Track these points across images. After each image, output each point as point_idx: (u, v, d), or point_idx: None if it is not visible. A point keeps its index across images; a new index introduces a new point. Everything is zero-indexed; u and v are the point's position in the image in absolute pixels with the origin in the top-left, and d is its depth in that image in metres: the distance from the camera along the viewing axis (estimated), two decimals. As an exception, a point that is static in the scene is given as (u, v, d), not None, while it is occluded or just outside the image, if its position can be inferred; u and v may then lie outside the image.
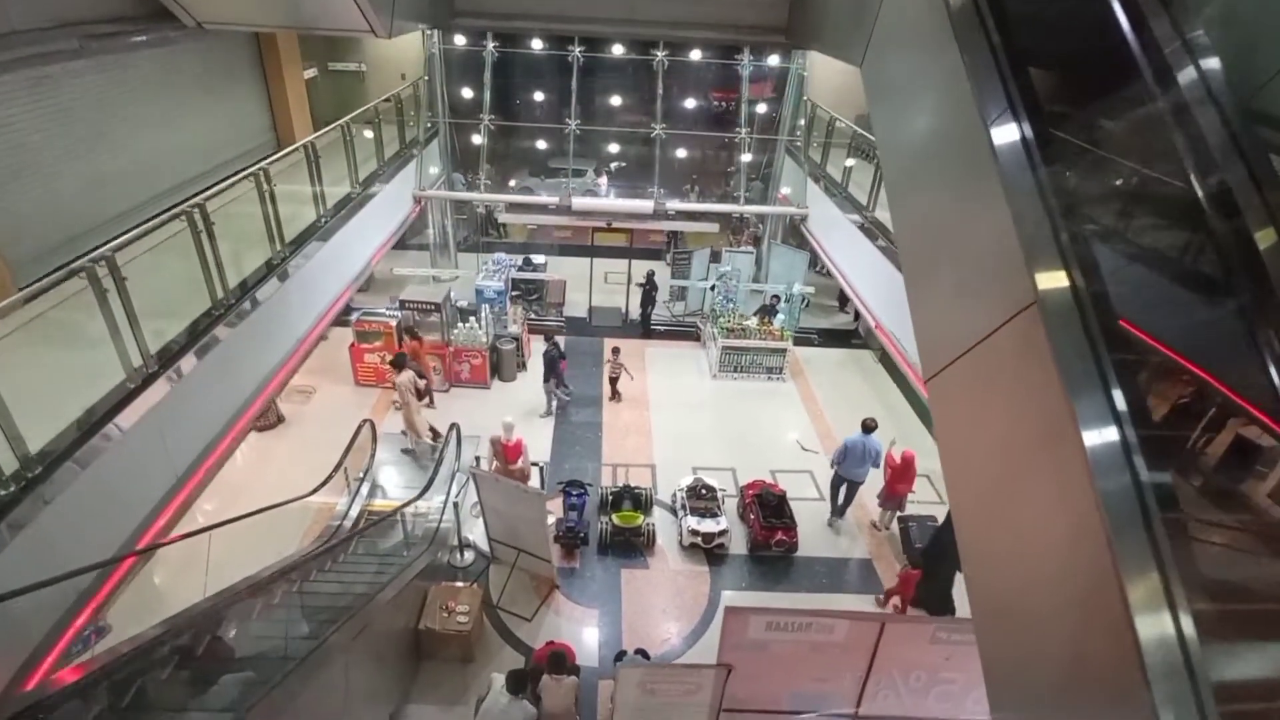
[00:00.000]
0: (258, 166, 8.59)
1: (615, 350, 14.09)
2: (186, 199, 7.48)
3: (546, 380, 13.52)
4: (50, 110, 8.56)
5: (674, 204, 16.26)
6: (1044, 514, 2.86)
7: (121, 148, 9.85)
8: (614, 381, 14.24)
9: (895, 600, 9.55)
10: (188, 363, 6.72)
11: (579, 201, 15.68)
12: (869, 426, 10.82)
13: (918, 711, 6.70)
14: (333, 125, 11.15)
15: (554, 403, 13.75)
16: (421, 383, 11.78)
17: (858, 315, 18.14)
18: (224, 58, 12.78)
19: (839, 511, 11.49)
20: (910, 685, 6.53)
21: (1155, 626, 2.13)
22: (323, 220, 10.16)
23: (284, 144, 13.89)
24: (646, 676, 6.39)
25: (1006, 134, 3.43)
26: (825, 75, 17.76)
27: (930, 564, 9.43)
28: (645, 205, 15.87)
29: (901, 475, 10.82)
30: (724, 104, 18.94)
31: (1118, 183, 3.88)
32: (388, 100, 14.14)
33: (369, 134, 13.35)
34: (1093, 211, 3.69)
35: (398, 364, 11.56)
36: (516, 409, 13.12)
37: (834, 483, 11.37)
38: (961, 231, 3.99)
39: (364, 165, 12.34)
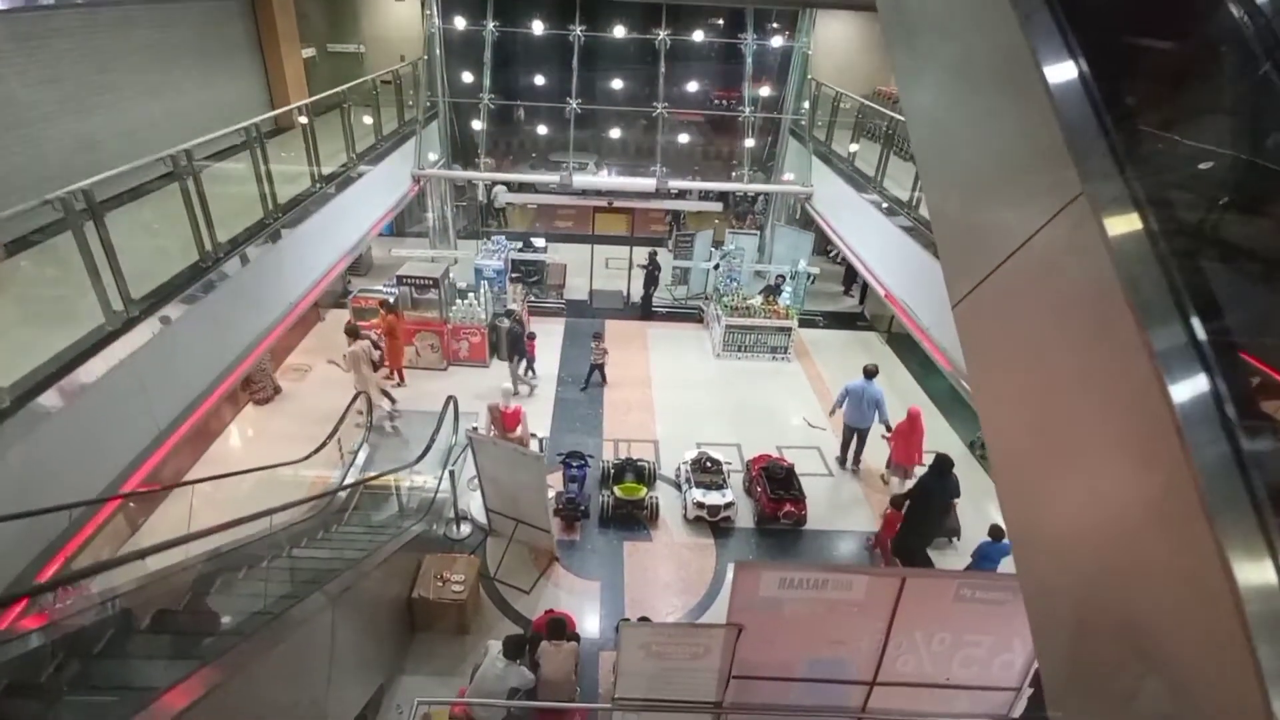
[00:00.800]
0: (250, 122, 8.21)
1: (597, 336, 13.48)
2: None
3: (510, 359, 12.98)
4: (39, 66, 8.21)
5: (676, 182, 15.83)
6: (1109, 459, 2.41)
7: (114, 112, 9.49)
8: (600, 368, 13.59)
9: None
10: (172, 311, 6.34)
11: (580, 179, 15.28)
12: (870, 372, 11.12)
13: (940, 678, 6.23)
14: (329, 92, 10.78)
15: (520, 384, 13.15)
16: (376, 354, 11.77)
17: (863, 299, 17.77)
18: (221, 32, 12.46)
19: (853, 460, 11.71)
20: (933, 649, 6.08)
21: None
22: (317, 186, 9.76)
23: (282, 124, 13.54)
24: (651, 637, 5.94)
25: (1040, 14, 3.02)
26: (828, 52, 17.46)
27: (911, 512, 9.27)
28: (647, 183, 15.46)
29: (908, 435, 10.62)
30: (726, 101, 18.58)
31: (1166, 60, 3.47)
32: (387, 81, 13.77)
33: (368, 119, 13.03)
34: (1141, 95, 3.28)
35: (351, 332, 11.57)
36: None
37: (845, 435, 11.68)
38: (990, 121, 3.57)
39: (361, 140, 11.99)
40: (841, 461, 11.82)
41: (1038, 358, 3.12)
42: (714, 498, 10.03)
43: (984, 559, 8.70)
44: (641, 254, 16.66)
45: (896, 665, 6.18)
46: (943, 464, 9.08)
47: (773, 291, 15.47)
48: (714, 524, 10.12)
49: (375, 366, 11.73)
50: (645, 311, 16.69)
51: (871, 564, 9.83)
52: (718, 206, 17.72)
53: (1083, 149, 2.57)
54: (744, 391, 14.00)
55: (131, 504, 9.71)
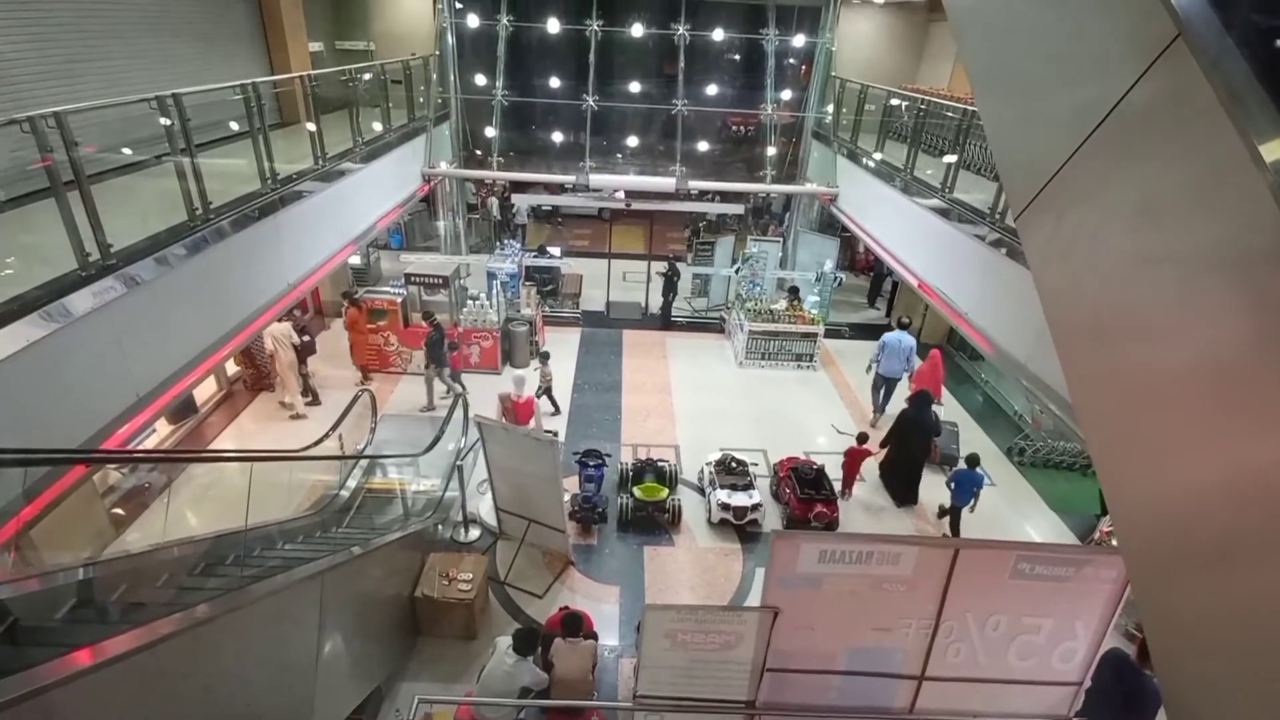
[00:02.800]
0: (250, 81, 8.13)
1: (544, 356, 12.38)
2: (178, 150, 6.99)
3: (427, 366, 12.27)
4: (28, 24, 8.16)
5: (697, 183, 15.71)
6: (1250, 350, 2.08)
7: (107, 82, 9.42)
8: (547, 393, 12.31)
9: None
10: (153, 269, 6.11)
11: (597, 178, 15.17)
12: (904, 324, 12.78)
13: (995, 671, 5.79)
14: (337, 69, 10.76)
15: (436, 394, 12.55)
16: (297, 339, 11.70)
17: (890, 309, 17.51)
18: (224, 13, 12.49)
19: (880, 409, 12.92)
20: (986, 635, 5.65)
21: None
22: (320, 164, 9.65)
23: (287, 117, 13.57)
24: (678, 622, 5.57)
25: None
26: (853, 51, 17.42)
27: (891, 439, 10.50)
28: (667, 182, 15.33)
29: (929, 375, 11.94)
30: (743, 129, 18.60)
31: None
32: (396, 81, 13.79)
33: (375, 113, 13.04)
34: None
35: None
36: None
37: (875, 384, 12.94)
38: None
39: (367, 130, 11.93)
40: (875, 411, 13.01)
41: (1137, 236, 2.81)
42: (739, 499, 9.63)
43: (959, 486, 9.57)
44: (659, 268, 16.43)
45: (947, 656, 5.76)
46: (922, 397, 10.64)
47: (795, 295, 15.24)
48: (739, 528, 9.71)
49: (300, 357, 11.80)
50: (665, 321, 16.42)
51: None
52: (739, 209, 17.56)
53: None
54: (768, 399, 13.63)
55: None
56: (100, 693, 3.18)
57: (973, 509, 9.66)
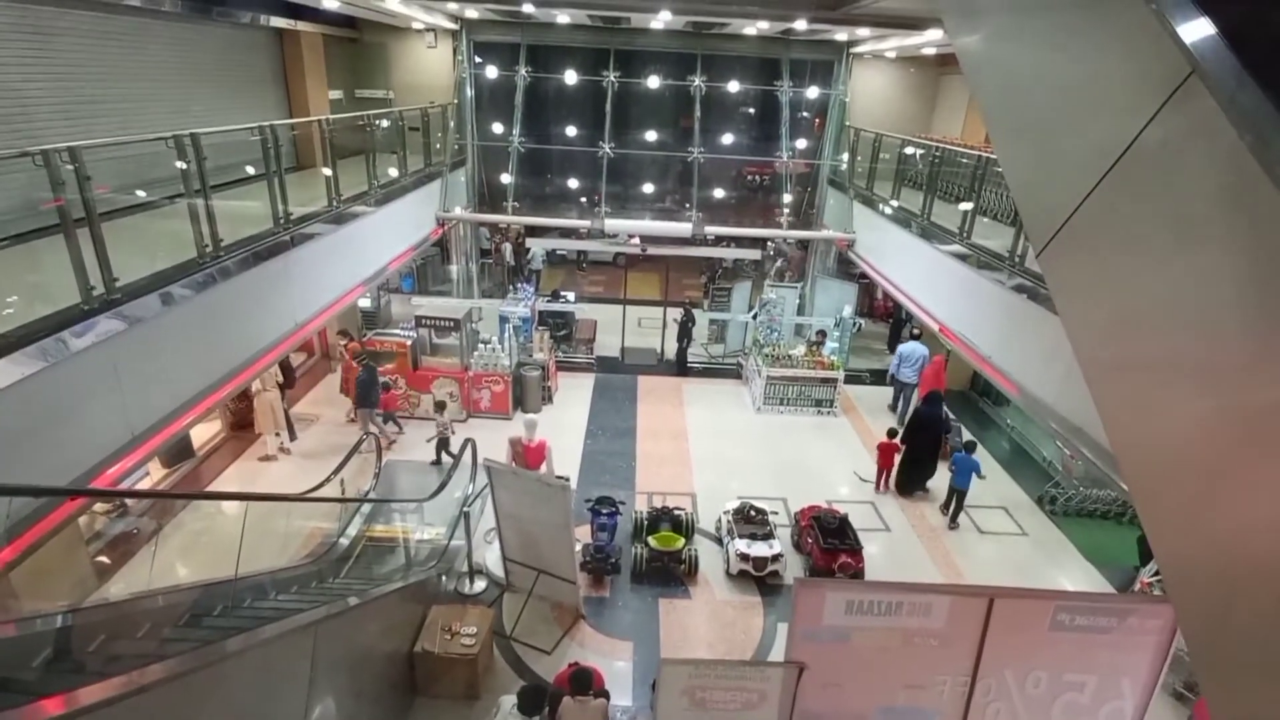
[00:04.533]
0: (266, 124, 8.19)
1: (440, 406, 12.07)
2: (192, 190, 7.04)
3: (361, 405, 12.06)
4: (49, 64, 8.26)
5: (713, 229, 15.70)
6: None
7: (126, 123, 9.53)
8: (443, 444, 11.83)
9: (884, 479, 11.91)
10: (155, 306, 6.00)
11: (612, 223, 15.19)
12: (916, 335, 14.20)
13: (1041, 735, 5.46)
14: (354, 114, 10.88)
15: (372, 434, 12.00)
16: (280, 376, 11.80)
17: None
18: (245, 59, 12.70)
19: (900, 416, 14.17)
20: (1028, 693, 5.30)
21: None
22: (334, 205, 9.68)
23: (304, 163, 13.75)
24: (696, 678, 5.26)
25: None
26: (867, 103, 17.57)
27: (907, 436, 11.76)
28: (683, 228, 15.31)
29: (932, 380, 13.19)
30: (759, 178, 18.79)
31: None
32: (415, 129, 13.98)
33: (392, 164, 13.19)
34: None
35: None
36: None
37: (895, 391, 14.69)
38: (1070, 36, 3.34)
39: (383, 174, 12.03)
40: (895, 413, 14.52)
41: (1158, 270, 2.72)
42: (760, 549, 9.29)
43: (959, 470, 10.84)
44: (675, 315, 16.29)
45: (986, 717, 5.42)
46: (933, 397, 11.92)
47: (822, 338, 15.08)
48: (760, 579, 9.34)
49: (283, 394, 11.89)
50: (680, 368, 16.26)
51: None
52: (756, 254, 17.51)
53: (1185, 30, 2.37)
54: (787, 446, 13.32)
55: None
56: None
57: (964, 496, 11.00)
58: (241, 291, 7.39)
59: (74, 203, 5.38)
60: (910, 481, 11.90)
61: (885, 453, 11.78)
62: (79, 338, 5.15)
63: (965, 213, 10.30)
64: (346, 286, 10.07)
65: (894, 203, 13.53)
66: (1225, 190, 2.10)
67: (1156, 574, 8.75)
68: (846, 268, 18.05)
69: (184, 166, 6.85)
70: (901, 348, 14.25)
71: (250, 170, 9.22)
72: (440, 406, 11.96)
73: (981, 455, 12.95)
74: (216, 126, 10.74)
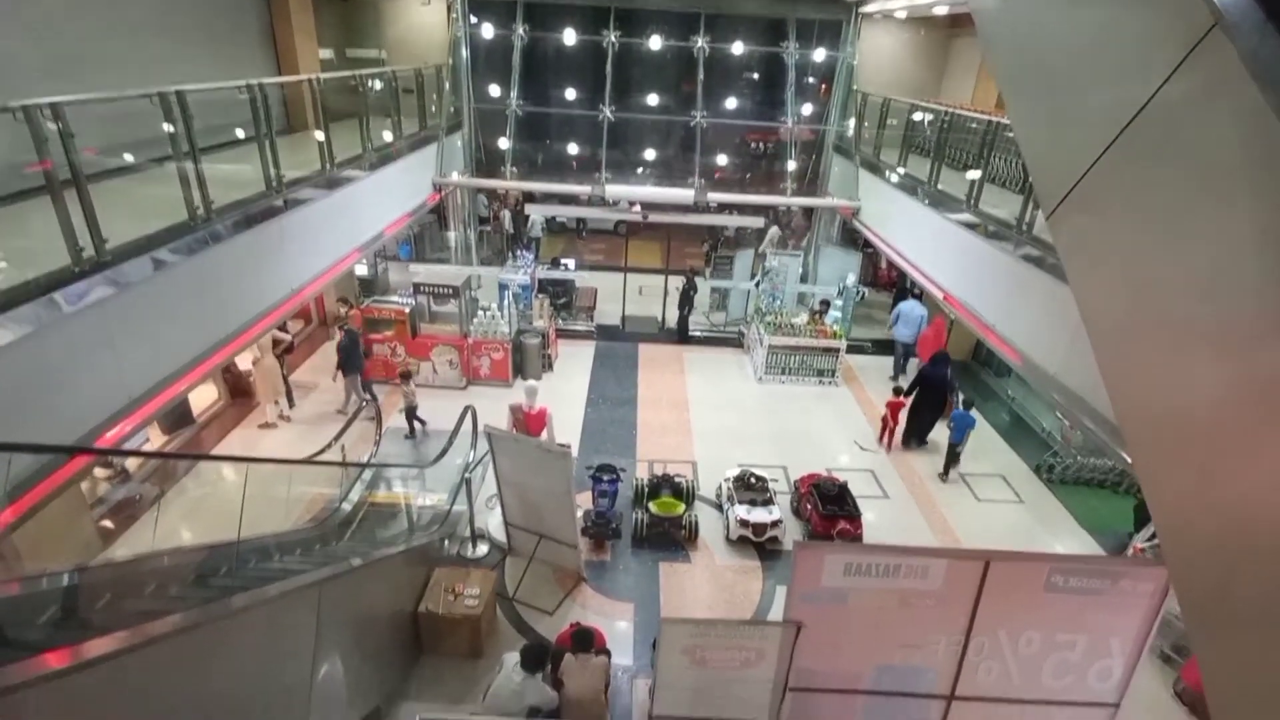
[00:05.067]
0: (256, 81, 8.14)
1: (405, 375, 11.99)
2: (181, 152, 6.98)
3: (348, 374, 12.16)
4: (27, 18, 8.17)
5: (716, 195, 15.65)
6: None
7: (109, 81, 9.43)
8: (412, 412, 11.89)
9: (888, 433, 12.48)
10: (148, 268, 6.01)
11: (613, 189, 15.14)
12: (916, 294, 14.76)
13: (1029, 691, 5.55)
14: (346, 73, 10.79)
15: (354, 400, 12.39)
16: (285, 336, 11.87)
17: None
18: (231, 16, 12.53)
19: (902, 369, 14.86)
20: (1020, 653, 5.44)
21: None
22: (327, 169, 9.67)
23: (295, 126, 13.65)
24: (696, 638, 5.40)
25: None
26: (876, 66, 17.41)
27: (913, 392, 12.35)
28: (685, 194, 15.27)
29: (931, 340, 13.72)
30: (764, 145, 18.69)
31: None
32: (409, 91, 13.85)
33: (386, 127, 13.10)
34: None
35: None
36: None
37: (895, 352, 15.15)
38: None
39: (377, 136, 11.96)
40: (894, 378, 14.39)
41: (1173, 233, 2.73)
42: (759, 515, 9.43)
43: (956, 425, 11.49)
44: (677, 284, 16.29)
45: (978, 675, 5.56)
46: (940, 357, 12.51)
47: (825, 308, 15.13)
48: (759, 545, 9.49)
49: (281, 361, 11.87)
50: (681, 336, 16.32)
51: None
52: (759, 222, 17.47)
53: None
54: (788, 415, 13.43)
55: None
56: (77, 699, 3.02)
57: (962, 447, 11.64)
58: (235, 256, 7.40)
59: (59, 164, 5.33)
60: (912, 434, 12.51)
61: (893, 410, 12.32)
62: (70, 301, 5.16)
63: (973, 181, 10.30)
64: (342, 252, 10.08)
65: (901, 170, 13.48)
66: (1246, 150, 2.09)
67: (1149, 539, 8.89)
68: (850, 235, 18.05)
69: (171, 130, 6.81)
70: (900, 306, 14.87)
71: (240, 134, 9.21)
72: (406, 376, 12.03)
73: (982, 426, 13.15)
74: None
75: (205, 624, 3.94)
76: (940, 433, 12.25)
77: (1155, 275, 2.79)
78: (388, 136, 12.60)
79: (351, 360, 12.02)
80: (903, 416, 12.39)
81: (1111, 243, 3.28)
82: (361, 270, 16.57)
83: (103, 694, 3.13)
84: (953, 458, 11.67)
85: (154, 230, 6.39)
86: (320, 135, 9.96)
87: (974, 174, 10.42)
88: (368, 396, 12.26)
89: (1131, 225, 3.07)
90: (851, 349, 15.31)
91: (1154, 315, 2.82)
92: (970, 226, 10.00)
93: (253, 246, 7.71)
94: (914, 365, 14.30)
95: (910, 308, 14.67)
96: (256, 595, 4.55)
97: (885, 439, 12.55)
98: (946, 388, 12.41)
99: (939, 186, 11.55)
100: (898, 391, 12.38)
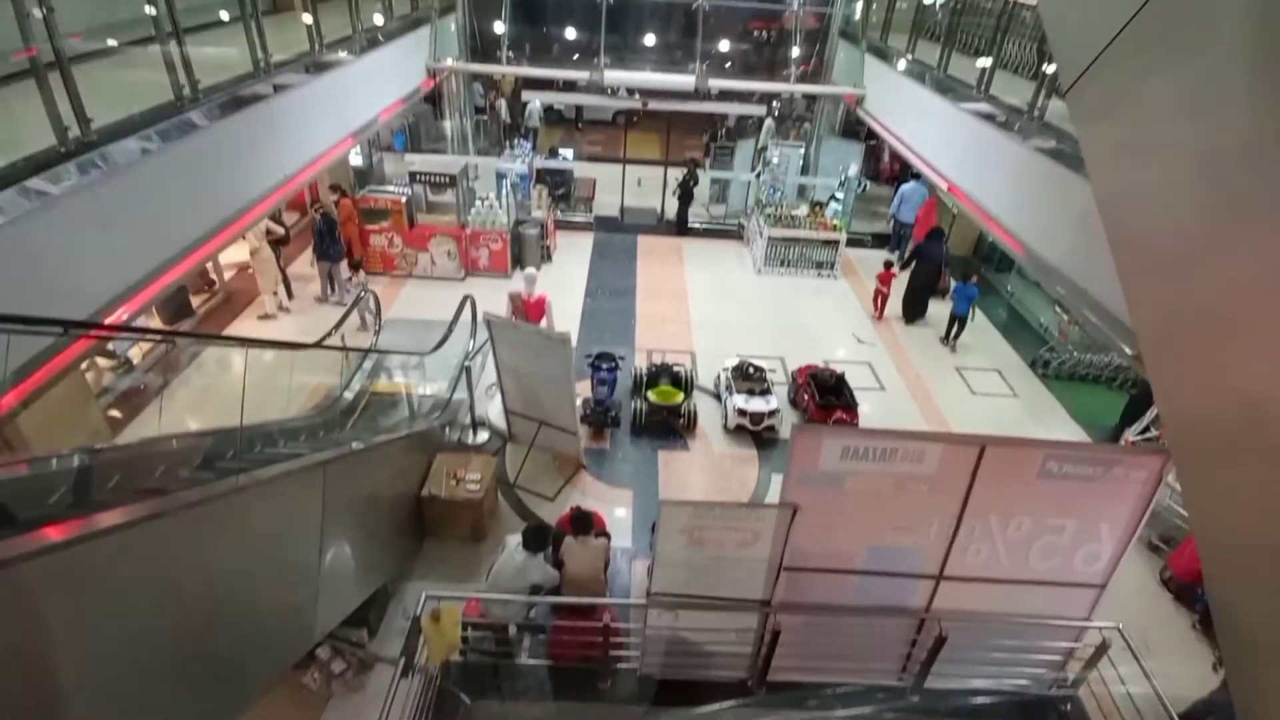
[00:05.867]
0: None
1: (357, 266, 11.90)
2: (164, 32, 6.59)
3: (322, 260, 12.07)
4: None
5: (717, 82, 15.07)
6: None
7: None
8: (364, 304, 11.33)
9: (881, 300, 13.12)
10: (136, 150, 5.80)
11: (612, 75, 14.56)
12: (917, 175, 14.19)
13: (1015, 572, 5.70)
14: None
15: (332, 287, 12.32)
16: (279, 229, 11.62)
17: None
18: None
19: (898, 254, 14.78)
20: (1009, 537, 5.56)
21: None
22: (315, 49, 9.24)
23: (281, 6, 13.04)
24: (695, 519, 5.50)
25: None
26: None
27: (909, 263, 13.05)
28: (686, 80, 14.70)
29: (925, 219, 14.35)
30: (767, 33, 17.77)
31: None
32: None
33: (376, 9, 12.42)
34: None
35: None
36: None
37: (894, 230, 15.72)
38: None
39: (367, 15, 11.43)
40: (895, 253, 14.94)
41: (1201, 102, 2.57)
42: (757, 404, 9.50)
43: (958, 297, 12.09)
44: (677, 175, 15.86)
45: (967, 557, 5.70)
46: (935, 232, 13.14)
47: (820, 203, 14.85)
48: (756, 434, 9.61)
49: (277, 252, 11.71)
50: (681, 228, 16.06)
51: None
52: (760, 110, 16.92)
53: None
54: (787, 307, 13.37)
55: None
56: (88, 566, 3.01)
57: (972, 318, 12.24)
58: (225, 140, 7.14)
59: (40, 39, 5.06)
60: (913, 309, 13.17)
61: (884, 281, 13.03)
62: (58, 181, 5.00)
63: (984, 69, 9.92)
64: (335, 138, 9.75)
65: (909, 56, 12.95)
66: (1269, 21, 1.96)
67: (1142, 433, 9.00)
68: (853, 129, 17.53)
69: (153, 10, 6.46)
70: (903, 187, 15.21)
71: (224, 16, 8.76)
72: (357, 267, 12.01)
73: (980, 321, 13.14)
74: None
75: (212, 499, 3.97)
76: (938, 317, 12.89)
77: (1174, 148, 2.66)
78: (379, 20, 12.03)
79: (325, 246, 11.91)
80: (895, 287, 13.08)
81: (1133, 117, 3.13)
82: (356, 160, 16.14)
83: (112, 566, 3.15)
84: (958, 326, 12.33)
85: (141, 110, 6.18)
86: (308, 16, 9.49)
87: (985, 61, 10.03)
88: (350, 284, 12.18)
89: (1155, 98, 2.92)
90: (851, 242, 15.11)
91: (1171, 191, 2.70)
92: (978, 114, 9.68)
93: (243, 131, 7.43)
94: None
95: (913, 190, 14.95)
96: (261, 473, 4.60)
97: (878, 307, 13.17)
98: (942, 262, 13.00)
99: (947, 72, 11.13)
100: (888, 265, 13.12)
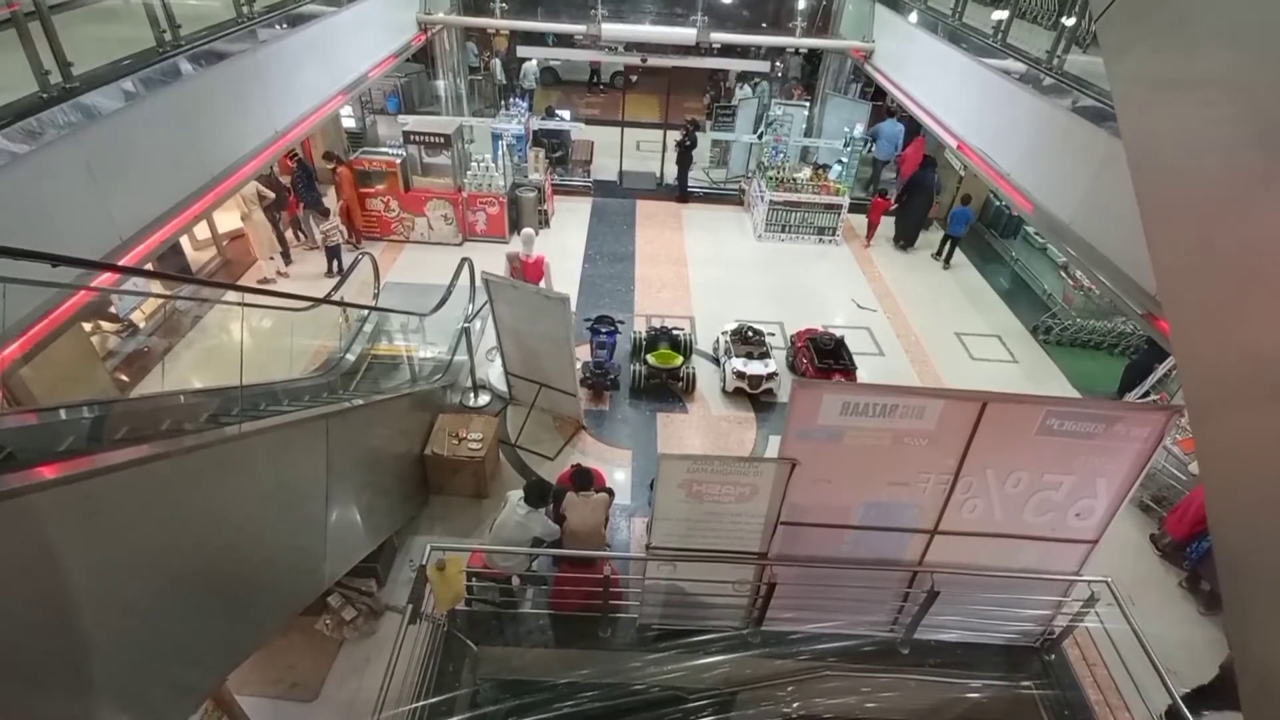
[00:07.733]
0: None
1: (325, 213, 12.43)
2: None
3: (306, 207, 12.60)
4: None
5: (719, 35, 15.02)
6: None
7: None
8: (334, 254, 12.25)
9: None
10: (119, 97, 5.86)
11: (610, 28, 14.52)
12: (893, 112, 16.20)
13: (1009, 527, 5.92)
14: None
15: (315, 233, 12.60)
16: (270, 194, 11.74)
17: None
18: None
19: (873, 189, 15.53)
20: (1005, 492, 5.78)
21: None
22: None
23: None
24: (694, 472, 5.70)
25: None
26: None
27: (905, 193, 14.35)
28: (687, 33, 14.67)
29: (912, 158, 15.07)
30: None
31: None
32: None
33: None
34: None
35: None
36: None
37: (873, 166, 16.55)
38: None
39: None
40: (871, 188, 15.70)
41: (1238, 28, 2.49)
42: (755, 367, 9.69)
43: (954, 219, 13.67)
44: (677, 136, 15.74)
45: (962, 512, 5.91)
46: (927, 160, 14.18)
47: (823, 166, 14.91)
48: (754, 397, 9.84)
49: (271, 217, 11.88)
50: (681, 192, 16.11)
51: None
52: (764, 67, 16.86)
53: None
54: (787, 273, 13.52)
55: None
56: (96, 501, 3.10)
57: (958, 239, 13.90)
58: (212, 91, 7.23)
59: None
60: (907, 233, 14.61)
61: (876, 209, 14.50)
62: (42, 129, 5.05)
63: (999, 21, 9.95)
64: (326, 94, 9.80)
65: (923, 3, 12.89)
66: None
67: (1141, 398, 9.20)
68: (861, 87, 17.52)
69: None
70: (879, 125, 16.26)
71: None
72: (325, 213, 12.33)
73: (981, 286, 13.31)
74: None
75: (217, 443, 4.12)
76: (928, 244, 14.38)
77: (1214, 82, 2.46)
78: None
79: (307, 195, 12.27)
80: (885, 219, 14.60)
81: (1167, 46, 2.99)
82: (350, 123, 16.15)
83: (121, 503, 3.25)
84: (952, 247, 14.00)
85: (121, 56, 6.25)
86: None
87: (1001, 14, 10.04)
88: (311, 228, 12.56)
89: (1193, 26, 2.78)
90: (854, 208, 15.16)
91: (1208, 129, 2.57)
92: (994, 67, 9.68)
93: (229, 82, 7.51)
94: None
95: (889, 126, 16.06)
96: (265, 424, 4.76)
97: (868, 235, 14.72)
98: (934, 189, 14.25)
99: (963, 20, 11.12)
100: (882, 194, 14.53)
